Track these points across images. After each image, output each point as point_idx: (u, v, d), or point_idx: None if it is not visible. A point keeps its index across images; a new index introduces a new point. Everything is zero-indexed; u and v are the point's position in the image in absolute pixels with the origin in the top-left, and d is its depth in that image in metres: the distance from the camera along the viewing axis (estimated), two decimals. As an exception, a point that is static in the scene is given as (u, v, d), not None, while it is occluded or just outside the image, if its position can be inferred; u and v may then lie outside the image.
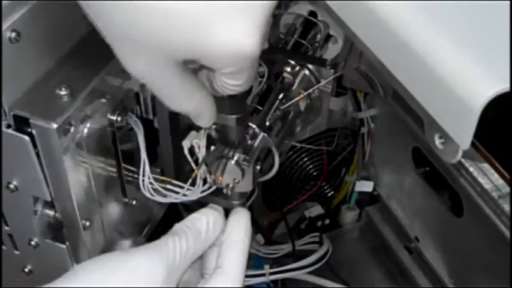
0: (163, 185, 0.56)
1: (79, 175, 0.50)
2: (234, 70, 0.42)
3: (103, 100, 0.50)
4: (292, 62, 0.63)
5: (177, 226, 0.52)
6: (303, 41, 0.67)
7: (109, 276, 0.46)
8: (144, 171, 0.54)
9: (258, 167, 0.54)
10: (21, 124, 0.47)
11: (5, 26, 0.44)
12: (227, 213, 0.55)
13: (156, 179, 0.55)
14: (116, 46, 0.41)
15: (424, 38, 0.38)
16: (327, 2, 0.44)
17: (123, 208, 0.58)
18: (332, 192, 0.94)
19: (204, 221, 0.52)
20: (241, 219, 0.54)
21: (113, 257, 0.47)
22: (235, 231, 0.53)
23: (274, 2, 0.40)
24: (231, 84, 0.44)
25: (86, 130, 0.49)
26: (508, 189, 0.63)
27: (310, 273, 0.83)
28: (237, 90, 0.45)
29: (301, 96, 0.62)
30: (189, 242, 0.50)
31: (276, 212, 0.91)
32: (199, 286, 0.50)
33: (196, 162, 0.54)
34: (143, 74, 0.42)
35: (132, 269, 0.46)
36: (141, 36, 0.39)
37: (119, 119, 0.51)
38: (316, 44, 0.69)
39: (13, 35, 0.45)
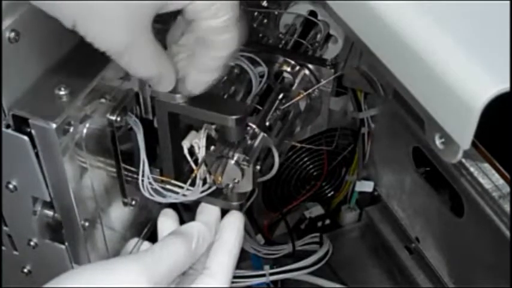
0: (163, 185, 0.56)
1: (78, 175, 0.50)
2: (217, 8, 0.43)
3: (102, 100, 0.50)
4: (292, 62, 0.63)
5: (168, 237, 0.50)
6: (303, 41, 0.67)
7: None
8: (143, 172, 0.54)
9: (258, 167, 0.54)
10: (20, 124, 0.47)
11: (4, 25, 0.44)
12: (225, 214, 0.55)
13: (155, 179, 0.55)
14: (94, 26, 0.41)
15: (424, 38, 0.38)
16: (327, 1, 0.44)
17: (123, 208, 0.58)
18: (332, 193, 0.94)
19: (196, 234, 0.51)
20: (234, 222, 0.53)
21: (98, 268, 0.46)
22: (227, 234, 0.53)
23: None
24: (219, 36, 0.45)
25: (85, 130, 0.49)
26: (508, 189, 0.63)
27: (310, 273, 0.83)
28: (227, 42, 0.46)
29: (301, 96, 0.62)
30: (179, 255, 0.49)
31: (276, 212, 0.91)
32: (185, 286, 0.50)
33: (196, 162, 0.54)
34: (122, 43, 0.42)
35: (116, 281, 0.45)
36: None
37: (119, 119, 0.51)
38: (316, 44, 0.68)
39: (12, 34, 0.45)
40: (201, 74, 0.49)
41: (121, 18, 0.41)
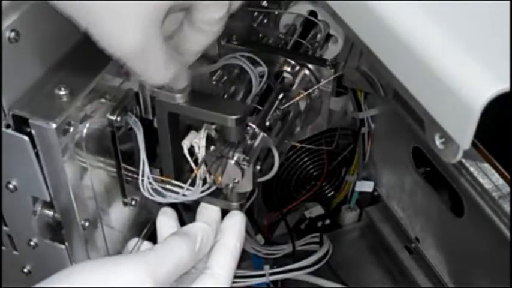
0: (163, 185, 0.56)
1: (78, 175, 0.50)
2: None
3: (102, 100, 0.50)
4: (292, 62, 0.63)
5: (172, 237, 0.50)
6: (303, 41, 0.67)
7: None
8: (143, 172, 0.54)
9: (258, 167, 0.54)
10: (20, 124, 0.47)
11: (4, 25, 0.44)
12: (225, 214, 0.55)
13: (155, 179, 0.55)
14: (110, 26, 0.40)
15: (424, 38, 0.38)
16: (327, 2, 0.44)
17: (123, 208, 0.58)
18: (332, 193, 0.94)
19: (199, 235, 0.51)
20: (236, 223, 0.53)
21: (101, 265, 0.46)
22: (229, 234, 0.53)
23: None
24: (212, 19, 0.44)
25: (85, 130, 0.49)
26: (508, 189, 0.63)
27: (310, 273, 0.83)
28: (217, 27, 0.45)
29: (301, 96, 0.61)
30: (182, 255, 0.49)
31: (276, 212, 0.91)
32: (185, 286, 0.50)
33: (196, 162, 0.54)
34: (139, 44, 0.41)
35: (120, 279, 0.45)
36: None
37: (119, 119, 0.51)
38: (316, 44, 0.68)
39: (12, 34, 0.45)
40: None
41: (138, 17, 0.40)
